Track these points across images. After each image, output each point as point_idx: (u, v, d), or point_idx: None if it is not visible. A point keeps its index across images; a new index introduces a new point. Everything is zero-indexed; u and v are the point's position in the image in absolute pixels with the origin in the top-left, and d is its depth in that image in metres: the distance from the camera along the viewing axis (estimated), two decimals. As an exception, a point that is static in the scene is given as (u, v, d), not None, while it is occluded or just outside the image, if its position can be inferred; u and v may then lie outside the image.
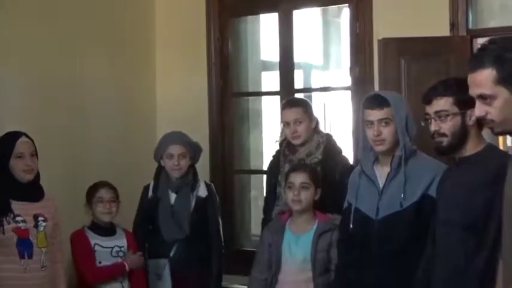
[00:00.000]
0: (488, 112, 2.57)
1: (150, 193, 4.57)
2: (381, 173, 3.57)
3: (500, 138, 5.97)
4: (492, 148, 3.26)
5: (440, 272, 3.16)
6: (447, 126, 3.12)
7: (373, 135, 3.51)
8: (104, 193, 4.38)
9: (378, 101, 3.51)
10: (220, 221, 4.63)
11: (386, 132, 3.49)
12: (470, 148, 3.15)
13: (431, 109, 3.16)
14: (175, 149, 4.48)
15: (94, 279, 4.26)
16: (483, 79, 2.55)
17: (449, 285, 3.10)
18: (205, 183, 4.66)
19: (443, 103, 3.13)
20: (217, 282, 4.53)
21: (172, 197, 4.53)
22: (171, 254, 4.46)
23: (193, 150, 4.58)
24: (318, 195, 4.05)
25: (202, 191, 4.58)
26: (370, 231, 3.50)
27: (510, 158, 2.75)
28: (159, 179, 4.56)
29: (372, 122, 3.51)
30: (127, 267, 4.32)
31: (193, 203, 4.53)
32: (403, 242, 3.42)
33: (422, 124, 3.29)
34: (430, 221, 3.32)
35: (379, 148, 3.53)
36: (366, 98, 3.62)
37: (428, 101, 3.17)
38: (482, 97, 2.57)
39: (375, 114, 3.50)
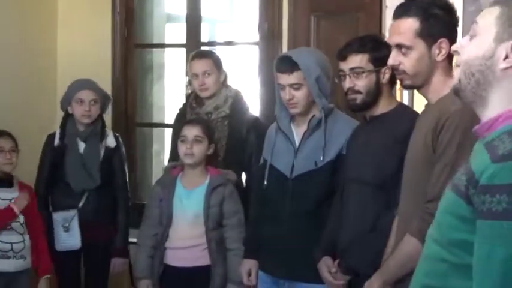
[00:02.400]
0: (401, 62, 2.63)
1: (57, 141, 4.41)
2: (298, 130, 3.56)
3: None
4: (403, 107, 3.32)
5: (348, 229, 3.20)
6: (362, 83, 3.12)
7: (285, 99, 3.47)
8: (4, 143, 4.20)
9: (288, 65, 3.43)
10: (127, 173, 4.57)
11: (299, 95, 3.44)
12: (383, 106, 3.18)
13: (346, 66, 3.15)
14: (85, 94, 4.33)
15: None
16: (405, 28, 2.60)
17: (357, 243, 3.13)
18: (113, 133, 4.56)
19: (358, 60, 3.12)
20: (124, 235, 4.47)
21: (81, 145, 4.40)
22: (80, 205, 4.35)
23: (103, 99, 4.46)
24: (211, 150, 4.00)
25: (110, 141, 4.48)
26: (284, 189, 3.49)
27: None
28: (65, 127, 4.41)
29: (283, 86, 3.47)
30: (16, 210, 4.15)
31: (102, 153, 4.43)
32: (316, 201, 3.44)
33: (336, 81, 3.30)
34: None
35: (293, 111, 3.51)
36: (277, 60, 3.55)
37: (343, 57, 3.16)
38: (400, 46, 2.61)
39: (285, 79, 3.45)
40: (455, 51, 1.93)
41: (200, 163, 3.97)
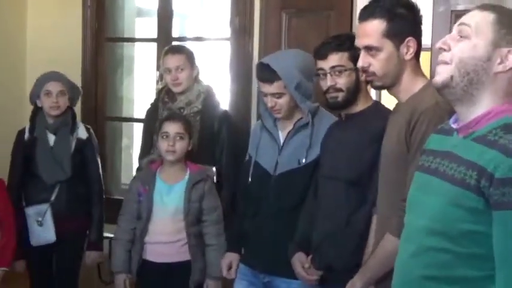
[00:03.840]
0: (371, 64, 2.66)
1: (27, 134, 4.39)
2: (283, 128, 3.57)
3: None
4: (378, 105, 3.34)
5: (322, 225, 3.22)
6: (343, 81, 3.13)
7: (268, 106, 3.49)
8: None
9: (267, 75, 3.41)
10: (99, 165, 4.54)
11: (281, 102, 3.44)
12: (361, 104, 3.20)
13: (326, 64, 3.15)
14: (53, 86, 4.32)
15: None
16: (372, 30, 2.63)
17: (331, 239, 3.16)
18: (85, 126, 4.53)
19: (338, 58, 3.13)
20: (98, 228, 4.46)
21: (51, 138, 4.37)
22: (52, 198, 4.32)
23: (72, 92, 4.44)
24: (190, 146, 4.01)
25: (82, 133, 4.45)
26: (267, 186, 3.51)
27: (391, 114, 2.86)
28: (35, 121, 4.39)
29: (265, 94, 3.47)
30: None
31: (73, 145, 4.39)
32: (298, 198, 3.45)
33: (314, 80, 3.32)
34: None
35: (277, 116, 3.52)
36: (257, 68, 3.54)
37: (323, 56, 3.16)
38: (368, 48, 2.64)
39: (266, 88, 3.44)
40: (441, 48, 2.02)
41: (181, 159, 3.97)
